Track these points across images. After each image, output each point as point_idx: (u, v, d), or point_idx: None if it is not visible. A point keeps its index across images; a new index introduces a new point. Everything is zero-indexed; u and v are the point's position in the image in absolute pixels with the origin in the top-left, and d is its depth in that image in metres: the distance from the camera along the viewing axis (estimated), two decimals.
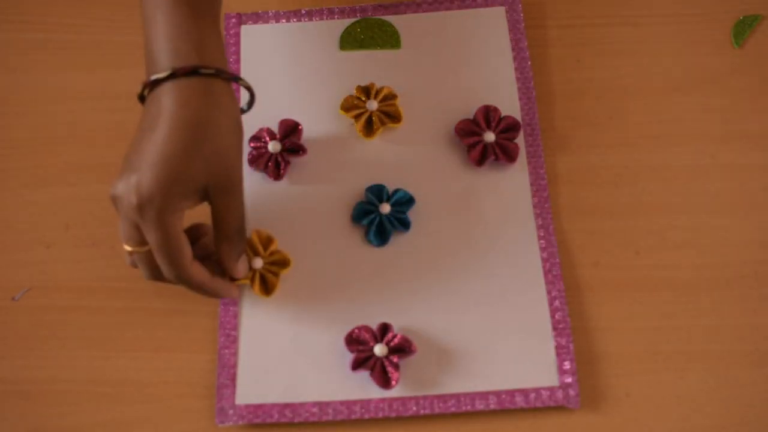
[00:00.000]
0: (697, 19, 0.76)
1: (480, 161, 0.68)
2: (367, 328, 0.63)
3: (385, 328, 0.63)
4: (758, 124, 0.72)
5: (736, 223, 0.68)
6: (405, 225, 0.67)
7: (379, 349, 0.61)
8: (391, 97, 0.71)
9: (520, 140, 0.70)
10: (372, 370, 0.61)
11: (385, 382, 0.61)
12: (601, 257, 0.67)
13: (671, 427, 0.61)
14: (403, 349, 0.62)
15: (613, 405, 0.62)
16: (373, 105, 0.70)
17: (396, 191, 0.68)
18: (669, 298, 0.65)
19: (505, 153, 0.68)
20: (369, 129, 0.70)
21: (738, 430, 0.61)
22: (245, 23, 0.76)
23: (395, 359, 0.61)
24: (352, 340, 0.62)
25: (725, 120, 0.72)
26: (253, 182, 0.69)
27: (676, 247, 0.67)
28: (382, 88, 0.71)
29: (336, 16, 0.76)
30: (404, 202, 0.67)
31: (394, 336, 0.62)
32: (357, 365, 0.61)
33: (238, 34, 0.75)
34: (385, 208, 0.67)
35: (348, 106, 0.71)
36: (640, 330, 0.64)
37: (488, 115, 0.70)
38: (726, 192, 0.69)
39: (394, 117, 0.70)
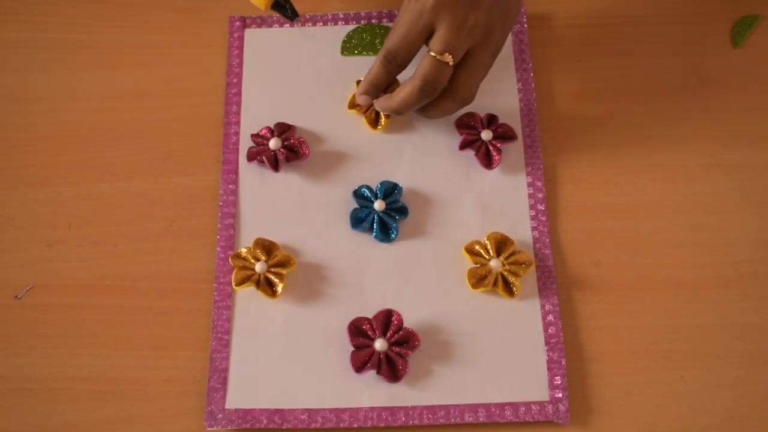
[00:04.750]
0: (697, 19, 0.76)
1: (463, 146, 0.69)
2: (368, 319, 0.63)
3: (388, 316, 0.63)
4: (758, 124, 0.72)
5: (736, 223, 0.68)
6: (403, 212, 0.67)
7: (380, 344, 0.61)
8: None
9: (519, 141, 0.71)
10: (378, 365, 0.61)
11: (393, 374, 0.61)
12: (601, 257, 0.67)
13: (671, 426, 0.61)
14: (407, 341, 0.62)
15: (613, 404, 0.62)
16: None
17: (381, 184, 0.68)
18: (669, 297, 0.65)
19: (488, 156, 0.69)
20: (377, 121, 0.71)
21: (738, 429, 0.61)
22: (249, 27, 0.76)
23: (401, 351, 0.62)
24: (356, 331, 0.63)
25: (725, 120, 0.72)
26: (253, 176, 0.70)
27: (677, 246, 0.67)
28: None
29: (340, 23, 0.76)
30: (393, 191, 0.68)
31: (399, 328, 0.62)
32: (361, 366, 0.61)
33: (241, 38, 0.76)
34: (380, 205, 0.67)
35: (355, 102, 0.71)
36: (640, 329, 0.64)
37: (490, 119, 0.70)
38: (726, 192, 0.69)
39: None
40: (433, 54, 0.63)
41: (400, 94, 0.65)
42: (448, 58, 0.63)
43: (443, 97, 0.66)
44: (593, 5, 0.77)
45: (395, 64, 0.66)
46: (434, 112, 0.67)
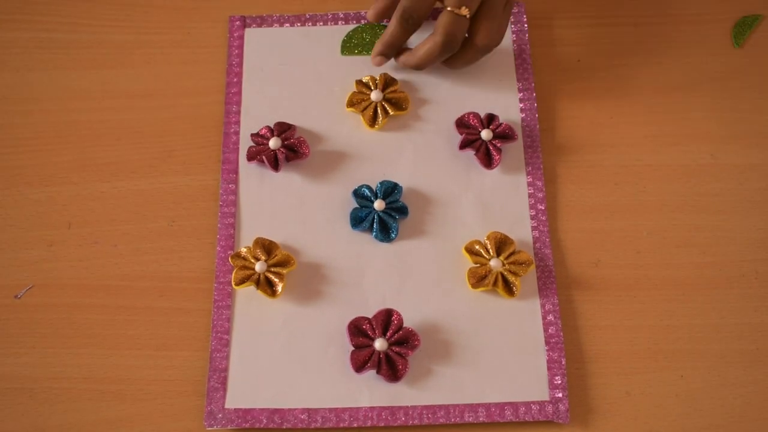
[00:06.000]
0: (697, 19, 0.76)
1: (463, 146, 0.69)
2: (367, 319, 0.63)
3: (388, 315, 0.63)
4: (758, 124, 0.72)
5: (736, 222, 0.68)
6: (403, 212, 0.67)
7: (380, 344, 0.61)
8: (392, 82, 0.72)
9: (519, 140, 0.71)
10: (378, 365, 0.61)
11: (393, 374, 0.61)
12: (601, 257, 0.67)
13: (671, 426, 0.61)
14: (407, 340, 0.62)
15: (613, 404, 0.62)
16: (377, 95, 0.71)
17: (381, 184, 0.68)
18: (669, 297, 0.65)
19: (488, 156, 0.69)
20: (375, 120, 0.71)
21: (738, 428, 0.61)
22: (249, 26, 0.76)
23: (401, 350, 0.62)
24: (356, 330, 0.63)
25: (725, 120, 0.72)
26: (253, 176, 0.70)
27: (677, 246, 0.67)
28: (380, 77, 0.72)
29: (340, 22, 0.76)
30: (393, 191, 0.68)
31: (399, 328, 0.62)
32: (360, 366, 0.61)
33: (242, 37, 0.76)
34: (380, 205, 0.67)
35: (354, 101, 0.72)
36: (641, 329, 0.64)
37: (490, 119, 0.70)
38: (726, 192, 0.69)
39: (399, 105, 0.71)
40: (449, 9, 0.66)
41: (422, 49, 0.70)
42: (465, 11, 0.66)
43: (465, 48, 0.70)
44: (593, 5, 0.77)
45: (411, 22, 0.69)
46: (459, 63, 0.71)
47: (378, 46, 0.72)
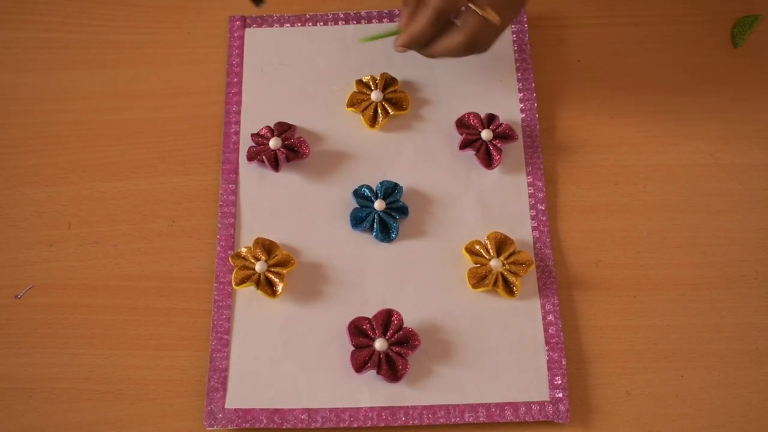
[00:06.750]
0: (697, 19, 0.76)
1: (464, 146, 0.69)
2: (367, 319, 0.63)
3: (388, 315, 0.63)
4: (758, 124, 0.72)
5: (736, 222, 0.68)
6: (404, 212, 0.67)
7: (380, 344, 0.61)
8: (392, 82, 0.72)
9: (519, 140, 0.71)
10: (378, 365, 0.61)
11: (393, 374, 0.61)
12: (601, 257, 0.67)
13: (671, 426, 0.61)
14: (407, 340, 0.62)
15: (614, 404, 0.62)
16: (378, 95, 0.71)
17: (381, 184, 0.68)
18: (669, 297, 0.66)
19: (488, 156, 0.69)
20: (375, 120, 0.71)
21: (738, 428, 0.61)
22: (249, 26, 0.76)
23: (401, 350, 0.62)
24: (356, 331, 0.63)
25: (725, 120, 0.72)
26: (253, 176, 0.70)
27: (677, 246, 0.67)
28: (381, 77, 0.72)
29: (340, 22, 0.76)
30: (393, 191, 0.68)
31: (399, 328, 0.62)
32: (361, 366, 0.61)
33: (242, 37, 0.76)
34: (380, 205, 0.67)
35: (354, 101, 0.72)
36: (641, 329, 0.65)
37: (491, 119, 0.70)
38: (726, 192, 0.69)
39: (399, 105, 0.71)
40: (481, 14, 0.61)
41: (444, 45, 0.64)
42: (496, 19, 0.62)
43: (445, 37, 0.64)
44: (593, 5, 0.77)
45: (443, 20, 0.63)
46: (445, 55, 0.66)
47: (405, 39, 0.65)
